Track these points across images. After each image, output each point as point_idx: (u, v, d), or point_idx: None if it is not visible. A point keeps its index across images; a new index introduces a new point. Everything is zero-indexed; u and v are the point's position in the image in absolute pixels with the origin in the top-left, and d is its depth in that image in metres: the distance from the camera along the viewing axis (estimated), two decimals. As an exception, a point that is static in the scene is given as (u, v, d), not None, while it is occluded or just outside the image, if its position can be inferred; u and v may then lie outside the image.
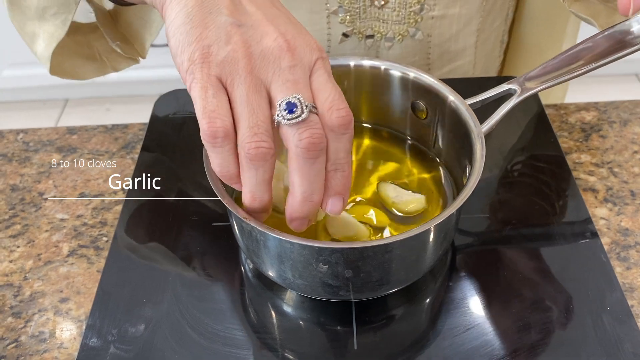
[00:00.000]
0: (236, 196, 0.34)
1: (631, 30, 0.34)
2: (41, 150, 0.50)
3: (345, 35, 0.53)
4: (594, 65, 0.34)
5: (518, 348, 0.33)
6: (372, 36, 0.53)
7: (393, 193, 0.38)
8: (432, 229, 0.29)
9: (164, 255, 0.39)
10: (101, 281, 0.39)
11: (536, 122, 0.48)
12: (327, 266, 0.28)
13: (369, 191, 0.38)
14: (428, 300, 0.35)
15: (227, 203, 0.29)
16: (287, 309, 0.35)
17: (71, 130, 0.52)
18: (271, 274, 0.32)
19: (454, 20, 0.53)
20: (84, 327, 0.37)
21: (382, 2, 0.51)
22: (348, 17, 0.52)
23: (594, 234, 0.39)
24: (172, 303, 0.36)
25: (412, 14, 0.51)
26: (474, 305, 0.35)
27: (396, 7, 0.51)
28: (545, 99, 0.54)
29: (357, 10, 0.51)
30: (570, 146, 0.48)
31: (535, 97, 0.49)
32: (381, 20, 0.52)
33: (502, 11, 0.57)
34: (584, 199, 0.43)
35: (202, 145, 0.28)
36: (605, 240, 0.41)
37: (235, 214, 0.28)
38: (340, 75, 0.38)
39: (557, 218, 0.41)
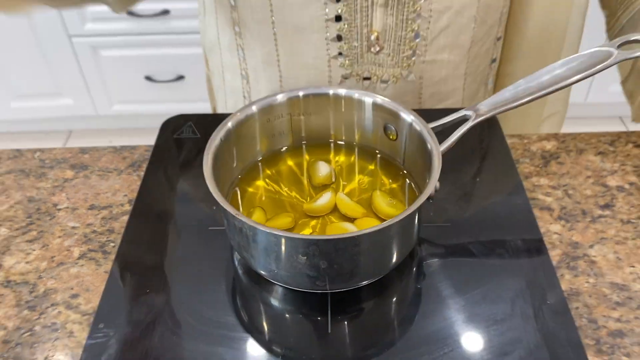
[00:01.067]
0: (230, 199, 0.39)
1: (571, 65, 0.41)
2: (56, 167, 0.55)
3: (344, 77, 0.59)
4: (535, 95, 0.40)
5: (469, 335, 0.38)
6: (369, 78, 0.59)
7: (384, 200, 0.43)
8: (393, 226, 0.34)
9: (165, 256, 0.44)
10: (108, 279, 0.43)
11: (498, 149, 0.53)
12: (305, 257, 0.33)
13: (354, 194, 0.44)
14: (395, 296, 0.40)
15: (221, 202, 0.34)
16: (272, 300, 0.40)
17: (83, 150, 0.57)
18: (258, 267, 0.37)
19: (443, 65, 0.60)
20: (92, 319, 0.41)
21: (378, 49, 0.57)
22: (347, 61, 0.58)
23: (543, 246, 0.45)
24: (172, 294, 0.40)
25: (405, 58, 0.58)
26: (434, 301, 0.39)
27: (390, 52, 0.57)
28: (517, 130, 0.60)
29: (356, 56, 0.58)
30: (530, 171, 0.53)
31: (498, 128, 0.55)
32: (377, 65, 0.58)
33: (486, 57, 0.63)
34: (539, 216, 0.48)
35: (201, 161, 0.33)
36: (557, 252, 0.46)
37: (229, 212, 0.34)
38: (323, 101, 0.44)
39: (510, 229, 0.46)
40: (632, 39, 0.40)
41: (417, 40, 0.57)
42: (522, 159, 0.55)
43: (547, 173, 0.53)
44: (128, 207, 0.51)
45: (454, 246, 0.45)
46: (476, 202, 0.49)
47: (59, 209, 0.51)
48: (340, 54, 0.57)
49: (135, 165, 0.55)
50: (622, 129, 1.77)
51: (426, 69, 0.59)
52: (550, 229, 0.48)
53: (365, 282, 0.38)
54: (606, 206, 0.50)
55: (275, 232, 0.32)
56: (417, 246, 0.43)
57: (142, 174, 0.54)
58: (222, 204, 0.34)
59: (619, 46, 0.40)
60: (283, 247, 0.34)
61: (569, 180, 0.52)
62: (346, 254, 0.34)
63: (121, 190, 0.52)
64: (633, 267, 0.45)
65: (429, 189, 0.35)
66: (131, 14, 1.67)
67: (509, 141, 0.56)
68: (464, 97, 0.63)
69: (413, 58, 0.58)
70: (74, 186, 0.53)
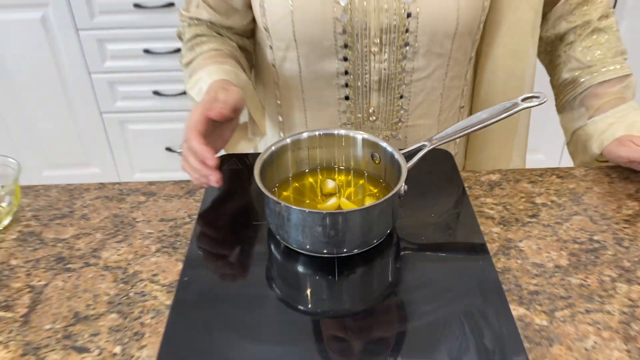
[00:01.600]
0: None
1: (506, 107, 0.62)
2: (132, 194, 0.75)
3: None
4: (467, 132, 0.61)
5: (428, 291, 0.56)
6: None
7: (371, 201, 0.62)
8: (374, 206, 0.53)
9: (222, 242, 0.63)
10: (184, 262, 0.62)
11: (453, 179, 0.73)
12: (321, 227, 0.52)
13: (351, 198, 0.63)
14: (378, 265, 0.58)
15: (267, 193, 0.54)
16: (298, 266, 0.58)
17: (151, 183, 0.77)
18: (290, 240, 0.56)
19: (421, 128, 0.82)
20: (169, 289, 0.60)
21: (374, 118, 0.80)
22: (352, 127, 0.80)
23: (484, 240, 0.64)
24: (226, 265, 0.59)
25: (393, 124, 0.80)
26: (406, 272, 0.58)
27: (383, 120, 0.80)
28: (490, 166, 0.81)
29: (359, 123, 0.81)
30: (479, 194, 0.73)
31: (454, 166, 0.75)
32: (373, 129, 0.81)
33: (453, 119, 0.85)
34: (483, 222, 0.67)
35: (244, 185, 0.53)
36: (495, 245, 0.65)
37: (272, 199, 0.53)
38: (329, 139, 0.65)
39: (460, 231, 0.65)
40: (529, 95, 0.62)
41: (401, 112, 0.79)
42: (474, 186, 0.75)
43: (492, 195, 0.73)
44: (188, 220, 0.70)
45: (421, 241, 0.64)
46: (438, 213, 0.68)
47: (137, 222, 0.70)
48: (348, 122, 0.80)
49: (192, 192, 0.75)
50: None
51: (409, 131, 0.82)
52: (492, 230, 0.67)
53: (357, 250, 0.56)
54: (533, 216, 0.69)
55: (303, 209, 0.52)
56: (395, 235, 0.62)
57: (197, 198, 0.73)
58: (268, 194, 0.54)
59: (523, 100, 0.61)
60: (307, 220, 0.53)
61: (507, 199, 0.72)
62: (346, 225, 0.53)
63: (182, 209, 0.72)
64: (548, 253, 0.63)
65: (398, 188, 0.54)
66: (156, 92, 1.92)
67: (464, 174, 0.76)
68: None
69: (399, 124, 0.80)
70: (146, 207, 0.73)
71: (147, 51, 1.84)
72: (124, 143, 2.03)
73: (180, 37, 0.88)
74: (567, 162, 1.91)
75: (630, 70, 0.80)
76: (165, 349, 0.51)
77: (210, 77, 0.73)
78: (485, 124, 0.61)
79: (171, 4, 1.75)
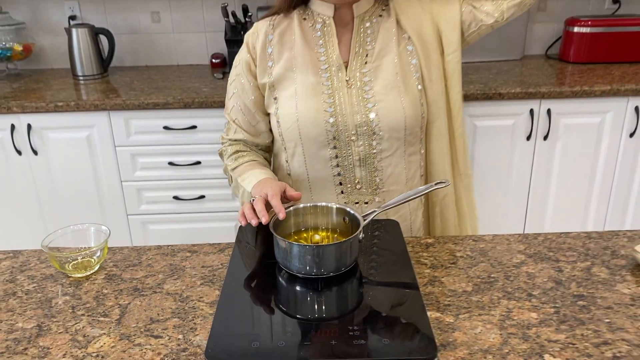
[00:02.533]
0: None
1: (426, 187, 0.99)
2: (181, 252, 1.09)
3: (345, 203, 1.17)
4: (399, 203, 0.98)
5: (378, 302, 0.88)
6: (357, 202, 1.18)
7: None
8: (342, 243, 0.87)
9: (246, 274, 0.96)
10: (222, 289, 0.94)
11: (397, 239, 1.08)
12: (309, 257, 0.86)
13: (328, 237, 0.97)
14: (350, 283, 0.91)
15: (277, 236, 0.88)
16: (293, 282, 0.91)
17: (193, 245, 1.11)
18: (289, 265, 0.89)
19: (393, 192, 1.18)
20: (210, 307, 0.92)
21: (360, 186, 1.17)
22: (345, 195, 1.17)
23: (415, 276, 0.97)
24: (249, 287, 0.91)
25: (372, 190, 1.17)
26: (366, 291, 0.90)
27: (366, 189, 1.16)
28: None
29: (349, 192, 1.17)
30: (418, 250, 1.07)
31: (399, 232, 1.10)
32: (360, 195, 1.18)
33: (418, 186, 1.21)
34: (417, 266, 1.01)
35: (262, 238, 0.89)
36: (426, 279, 0.98)
37: (280, 238, 0.87)
38: (315, 208, 1.01)
39: (399, 271, 0.98)
40: (440, 181, 0.99)
41: (378, 181, 1.16)
42: (416, 245, 1.09)
43: (427, 251, 1.07)
44: (221, 267, 1.03)
45: (374, 273, 0.97)
46: (385, 263, 1.02)
47: (186, 267, 1.03)
48: (341, 192, 1.16)
49: (223, 250, 1.08)
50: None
51: (385, 195, 1.18)
52: (424, 271, 1.00)
53: (333, 273, 0.89)
54: (452, 263, 1.03)
55: (300, 244, 0.86)
56: (358, 269, 0.95)
57: (227, 253, 1.07)
58: (277, 237, 0.88)
59: (435, 184, 0.98)
60: (301, 252, 0.87)
61: (436, 253, 1.06)
62: (324, 254, 0.87)
63: (217, 260, 1.05)
64: (460, 284, 0.96)
65: (357, 233, 0.89)
66: (175, 197, 2.29)
67: (410, 239, 1.11)
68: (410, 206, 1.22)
69: (377, 190, 1.17)
70: (192, 259, 1.06)
71: (171, 163, 2.24)
72: (144, 242, 2.36)
73: (221, 155, 1.28)
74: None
75: None
76: (212, 336, 0.82)
77: (257, 177, 1.12)
78: (411, 198, 0.97)
79: (194, 127, 2.18)
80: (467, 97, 2.12)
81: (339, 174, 1.17)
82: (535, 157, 2.27)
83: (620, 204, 2.34)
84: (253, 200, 1.01)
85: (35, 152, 2.21)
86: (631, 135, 2.23)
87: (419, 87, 1.15)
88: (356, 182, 1.17)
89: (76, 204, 2.30)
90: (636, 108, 2.18)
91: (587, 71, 2.39)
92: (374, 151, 1.15)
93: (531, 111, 2.18)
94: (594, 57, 2.50)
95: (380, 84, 1.13)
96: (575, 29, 2.49)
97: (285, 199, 1.04)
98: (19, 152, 2.21)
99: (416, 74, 1.15)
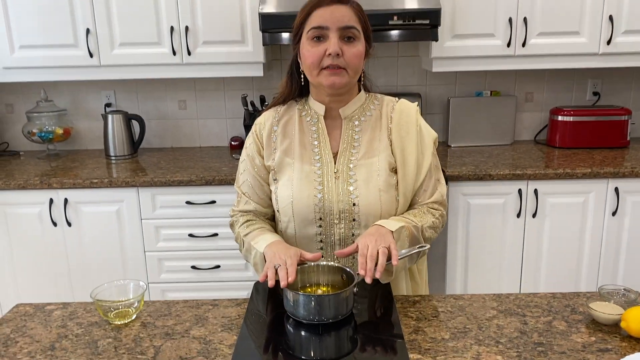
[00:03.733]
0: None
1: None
2: (204, 305, 1.28)
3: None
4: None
5: (372, 345, 1.06)
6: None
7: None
8: (340, 294, 1.06)
9: (259, 322, 1.14)
10: (239, 335, 1.13)
11: (387, 296, 1.27)
12: (312, 305, 1.05)
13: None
14: (346, 329, 1.09)
15: (287, 290, 1.08)
16: (299, 328, 1.09)
17: (215, 299, 1.30)
18: (296, 313, 1.07)
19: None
20: (230, 347, 1.10)
21: (338, 260, 1.34)
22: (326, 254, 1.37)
23: (400, 329, 1.15)
24: (261, 332, 1.10)
25: (348, 262, 1.36)
26: (361, 336, 1.08)
27: (344, 263, 1.36)
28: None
29: (331, 244, 1.36)
30: (406, 306, 1.25)
31: (390, 292, 1.29)
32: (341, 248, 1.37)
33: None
34: (404, 321, 1.19)
35: (272, 295, 1.09)
36: (411, 329, 1.15)
37: (289, 291, 1.07)
38: (317, 267, 1.21)
39: (385, 325, 1.17)
40: (420, 245, 1.19)
41: (352, 258, 1.36)
42: (405, 302, 1.27)
43: (413, 307, 1.25)
44: (238, 317, 1.22)
45: (367, 322, 1.15)
46: (379, 316, 1.20)
47: (209, 317, 1.22)
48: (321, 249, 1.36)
49: (240, 304, 1.27)
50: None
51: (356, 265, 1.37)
52: (410, 322, 1.18)
53: (331, 320, 1.08)
54: (434, 316, 1.21)
55: (305, 294, 1.06)
56: (353, 319, 1.13)
57: (243, 307, 1.26)
58: (287, 290, 1.08)
59: (418, 247, 1.19)
60: (306, 300, 1.06)
61: (421, 309, 1.24)
62: (325, 304, 1.06)
63: (234, 312, 1.24)
64: (439, 333, 1.14)
65: (352, 285, 1.09)
66: (193, 267, 2.49)
67: (400, 296, 1.29)
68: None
69: (352, 262, 1.36)
70: (214, 310, 1.25)
71: (191, 235, 2.46)
72: (163, 307, 2.53)
73: (232, 225, 1.49)
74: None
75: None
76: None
77: (267, 241, 1.30)
78: (403, 256, 1.18)
79: (213, 202, 2.42)
80: (460, 178, 2.35)
81: (321, 249, 1.37)
82: (525, 233, 2.46)
83: (607, 279, 2.50)
84: (278, 266, 1.18)
85: (69, 224, 2.45)
86: (613, 214, 2.42)
87: (396, 186, 1.36)
88: (336, 257, 1.36)
89: (102, 270, 2.50)
90: (616, 189, 2.40)
91: (571, 155, 2.63)
92: (352, 233, 1.35)
93: (520, 191, 2.40)
94: (577, 143, 2.74)
95: (362, 178, 1.34)
96: (560, 118, 2.76)
97: (301, 262, 1.23)
98: (55, 224, 2.45)
99: (394, 176, 1.36)
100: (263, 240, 1.31)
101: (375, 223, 1.27)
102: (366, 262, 1.14)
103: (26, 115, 2.83)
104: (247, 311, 1.19)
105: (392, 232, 1.22)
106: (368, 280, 1.12)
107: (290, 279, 1.13)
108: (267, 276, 1.16)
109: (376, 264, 1.14)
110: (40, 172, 2.55)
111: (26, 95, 2.98)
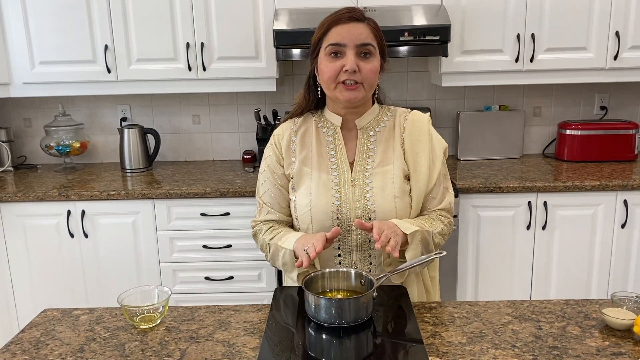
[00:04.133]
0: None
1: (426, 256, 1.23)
2: (226, 310, 1.32)
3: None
4: (401, 271, 1.22)
5: (390, 347, 1.10)
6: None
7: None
8: (360, 297, 1.10)
9: (281, 326, 1.18)
10: (262, 338, 1.17)
11: (404, 300, 1.30)
12: (333, 309, 1.09)
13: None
14: (366, 332, 1.12)
15: (309, 293, 1.12)
16: (321, 331, 1.12)
17: (236, 305, 1.34)
18: (317, 316, 1.11)
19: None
20: (254, 350, 1.14)
21: (355, 267, 1.38)
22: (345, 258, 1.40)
23: (419, 333, 1.18)
24: (284, 335, 1.13)
25: (364, 268, 1.40)
26: (381, 338, 1.12)
27: (361, 269, 1.39)
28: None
29: (349, 250, 1.40)
30: (422, 311, 1.29)
31: (408, 298, 1.32)
32: (359, 259, 1.40)
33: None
34: (422, 324, 1.22)
35: (293, 299, 1.13)
36: (429, 333, 1.19)
37: (311, 294, 1.11)
38: (337, 273, 1.25)
39: (403, 325, 1.20)
40: (436, 251, 1.23)
41: (369, 264, 1.39)
42: (422, 308, 1.31)
43: (430, 312, 1.29)
44: (260, 322, 1.25)
45: (385, 325, 1.18)
46: (397, 321, 1.23)
47: (231, 322, 1.26)
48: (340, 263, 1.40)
49: (261, 309, 1.31)
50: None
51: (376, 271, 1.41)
52: (427, 327, 1.21)
53: (352, 324, 1.11)
54: (451, 322, 1.24)
55: (326, 297, 1.09)
56: (372, 323, 1.17)
57: (265, 312, 1.29)
58: (309, 293, 1.11)
59: (435, 254, 1.22)
60: (327, 304, 1.10)
61: (437, 314, 1.27)
62: (347, 307, 1.10)
63: (256, 318, 1.28)
64: (456, 337, 1.17)
65: (372, 290, 1.13)
66: (207, 278, 2.52)
67: (417, 303, 1.33)
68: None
69: (369, 270, 1.40)
70: (236, 315, 1.29)
71: (205, 246, 2.50)
72: (177, 318, 2.56)
73: (255, 235, 1.52)
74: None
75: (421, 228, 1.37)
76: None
77: (294, 238, 1.35)
78: (415, 265, 1.22)
79: (227, 213, 2.46)
80: (471, 190, 2.38)
81: (339, 255, 1.41)
82: (535, 245, 2.48)
83: (618, 290, 2.51)
84: (308, 248, 1.25)
85: (86, 235, 2.49)
86: (622, 226, 2.45)
87: (409, 192, 1.41)
88: (353, 262, 1.40)
89: (117, 281, 2.53)
90: (625, 201, 2.43)
91: (579, 168, 2.66)
92: (369, 239, 1.39)
93: (529, 203, 2.43)
94: (585, 156, 2.78)
95: (378, 185, 1.39)
96: (568, 132, 2.80)
97: (328, 243, 1.28)
98: (72, 235, 2.50)
99: (407, 183, 1.41)
100: (291, 238, 1.35)
101: (391, 220, 1.32)
102: (380, 237, 1.23)
103: (44, 129, 2.89)
104: (270, 315, 1.23)
105: (407, 234, 1.28)
106: (377, 246, 1.20)
107: (318, 249, 1.21)
108: (301, 263, 1.23)
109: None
110: (58, 184, 2.61)
111: (44, 110, 3.05)
